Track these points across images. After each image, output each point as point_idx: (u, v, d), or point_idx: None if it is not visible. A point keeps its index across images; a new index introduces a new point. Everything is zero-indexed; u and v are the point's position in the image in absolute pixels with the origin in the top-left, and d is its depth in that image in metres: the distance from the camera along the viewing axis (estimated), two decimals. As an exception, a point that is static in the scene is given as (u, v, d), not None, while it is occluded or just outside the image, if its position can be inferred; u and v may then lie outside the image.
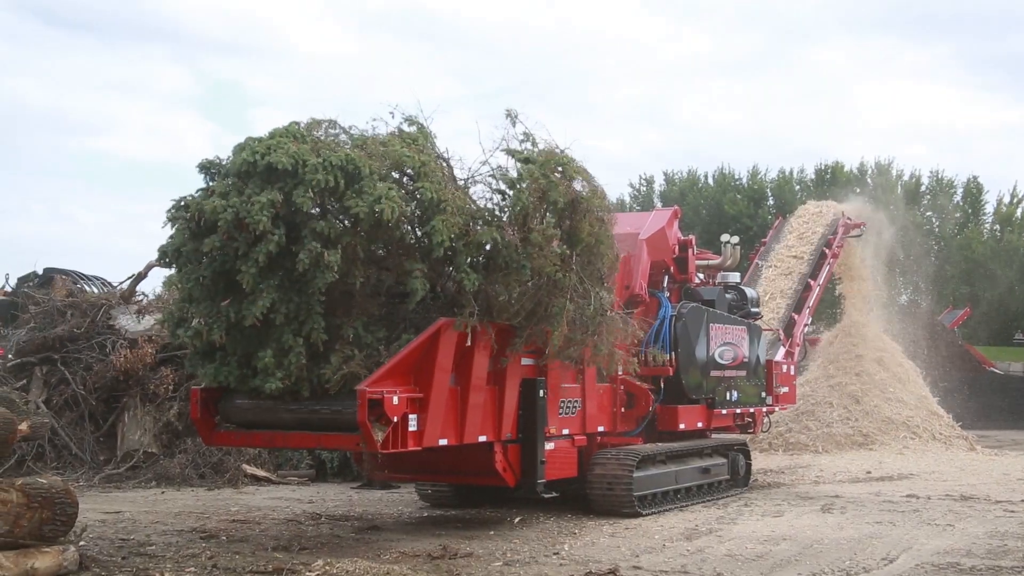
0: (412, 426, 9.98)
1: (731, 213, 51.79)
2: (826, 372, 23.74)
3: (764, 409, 16.78)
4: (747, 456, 15.61)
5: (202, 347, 10.02)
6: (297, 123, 10.23)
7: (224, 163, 10.13)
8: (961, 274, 48.92)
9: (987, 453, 22.32)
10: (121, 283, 19.08)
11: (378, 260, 10.18)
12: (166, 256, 10.05)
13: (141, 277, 18.58)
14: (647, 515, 12.58)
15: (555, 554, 10.11)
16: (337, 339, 9.86)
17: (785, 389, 17.49)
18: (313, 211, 9.66)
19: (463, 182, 10.62)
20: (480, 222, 10.28)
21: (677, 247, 15.18)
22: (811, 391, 23.11)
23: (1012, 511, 13.20)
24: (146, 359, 16.66)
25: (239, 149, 9.87)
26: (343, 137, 10.45)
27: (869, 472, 18.06)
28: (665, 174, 60.75)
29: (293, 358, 9.62)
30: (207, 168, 10.23)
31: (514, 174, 10.57)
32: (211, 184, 10.02)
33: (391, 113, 10.71)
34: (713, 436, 15.38)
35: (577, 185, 10.87)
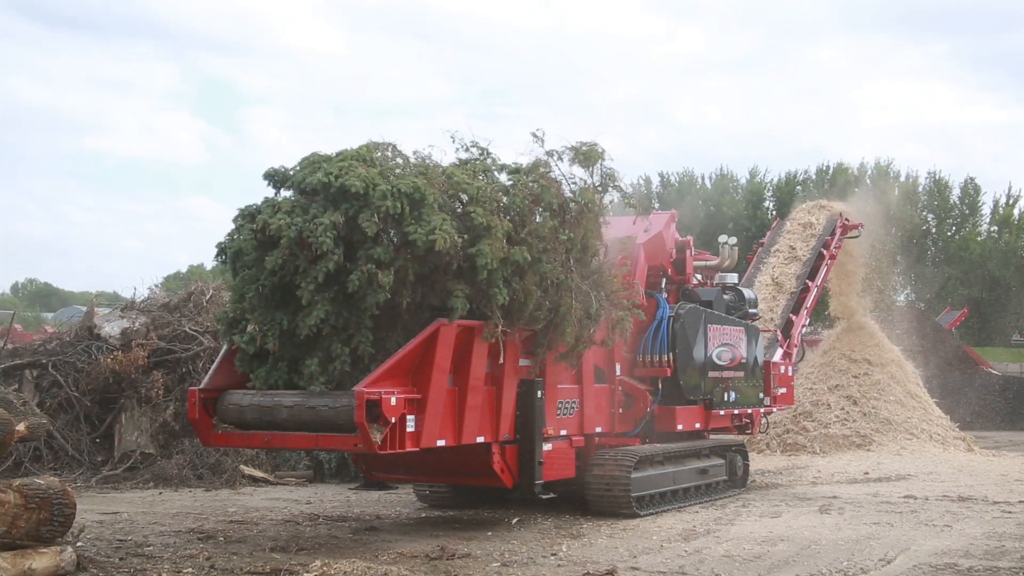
0: (410, 427, 10.02)
1: (729, 214, 51.82)
2: (824, 373, 23.71)
3: (762, 410, 16.78)
4: (745, 457, 15.61)
5: (254, 350, 10.36)
6: (366, 146, 10.70)
7: (289, 172, 10.58)
8: (959, 275, 49.01)
9: (985, 454, 22.30)
10: None
11: (423, 279, 10.42)
12: (224, 254, 10.57)
13: None
14: (645, 516, 12.58)
15: (553, 555, 10.11)
16: (381, 351, 10.15)
17: (783, 390, 17.48)
18: (374, 233, 10.00)
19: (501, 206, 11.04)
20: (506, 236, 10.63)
21: (675, 250, 15.18)
22: (809, 392, 23.08)
23: (1010, 512, 13.20)
24: (138, 362, 16.69)
25: (308, 166, 10.35)
26: (399, 161, 10.91)
27: (867, 473, 18.06)
28: (661, 175, 60.78)
29: (338, 365, 9.99)
30: (272, 177, 10.69)
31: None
32: (277, 198, 10.52)
33: (451, 138, 11.33)
34: (711, 437, 15.38)
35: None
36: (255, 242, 10.18)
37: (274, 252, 9.98)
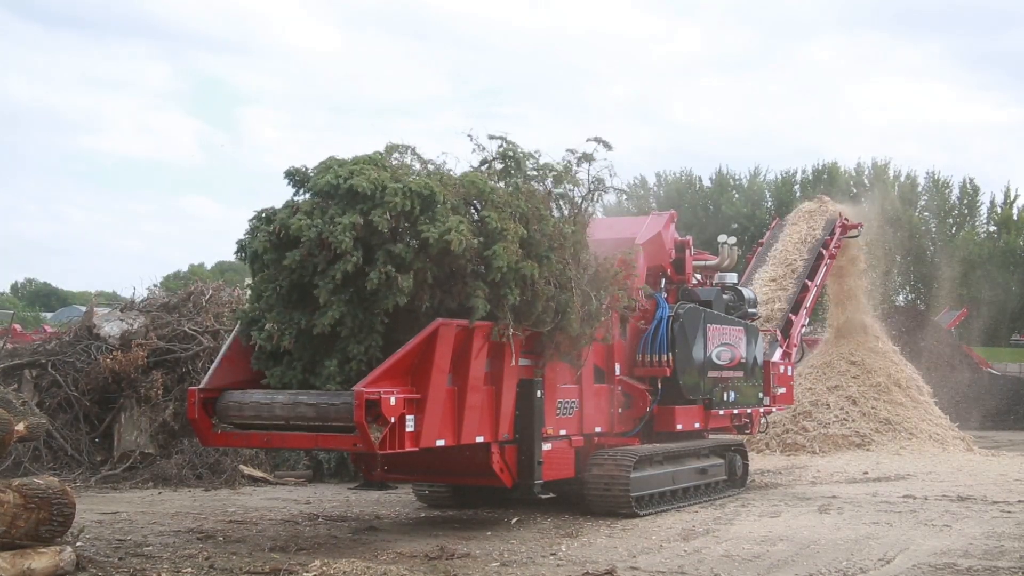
0: (409, 427, 10.02)
1: (729, 214, 51.85)
2: (823, 374, 23.71)
3: (761, 410, 16.78)
4: (744, 457, 15.61)
5: (272, 349, 10.43)
6: (380, 153, 10.88)
7: (309, 173, 10.73)
8: (958, 275, 49.01)
9: (984, 454, 22.30)
10: None
11: (441, 283, 10.50)
12: (243, 252, 10.75)
13: None
14: (644, 516, 12.59)
15: (552, 555, 10.12)
16: None
17: (783, 390, 17.48)
18: (386, 232, 10.07)
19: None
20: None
21: (674, 250, 15.18)
22: (809, 392, 23.08)
23: (1009, 512, 13.21)
24: (138, 362, 16.70)
25: (323, 169, 10.50)
26: (416, 165, 11.08)
27: (866, 473, 18.06)
28: (658, 175, 60.79)
29: (354, 365, 10.06)
30: (292, 175, 10.86)
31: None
32: (296, 199, 10.70)
33: (468, 135, 11.43)
34: (710, 437, 15.38)
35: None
36: (270, 244, 10.31)
37: (293, 251, 10.11)
